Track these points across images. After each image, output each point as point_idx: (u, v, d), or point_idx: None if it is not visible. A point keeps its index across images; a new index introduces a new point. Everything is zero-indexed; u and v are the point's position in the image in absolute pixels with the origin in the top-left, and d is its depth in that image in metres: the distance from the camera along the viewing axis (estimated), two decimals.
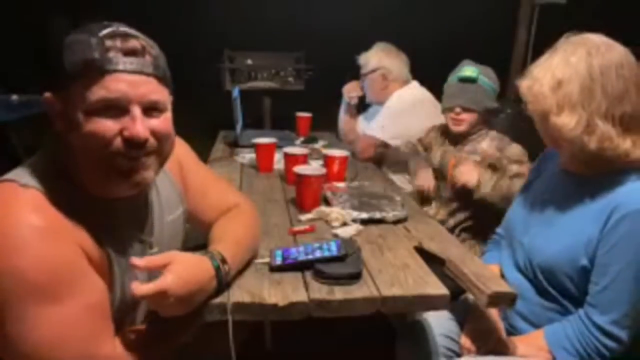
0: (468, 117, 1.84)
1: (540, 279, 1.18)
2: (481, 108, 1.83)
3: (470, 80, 1.83)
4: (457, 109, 1.84)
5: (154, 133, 0.83)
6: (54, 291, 0.75)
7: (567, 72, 1.07)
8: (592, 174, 1.14)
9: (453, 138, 1.95)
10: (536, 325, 1.19)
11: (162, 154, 0.88)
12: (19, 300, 0.74)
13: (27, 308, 0.74)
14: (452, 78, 1.90)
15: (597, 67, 1.05)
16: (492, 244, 1.50)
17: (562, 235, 1.14)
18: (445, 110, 1.90)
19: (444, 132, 2.02)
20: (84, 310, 0.78)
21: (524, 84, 1.14)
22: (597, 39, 1.10)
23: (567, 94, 1.07)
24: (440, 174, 1.94)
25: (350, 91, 2.59)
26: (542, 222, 1.22)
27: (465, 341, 1.22)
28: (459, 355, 1.26)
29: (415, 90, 2.45)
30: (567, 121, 1.07)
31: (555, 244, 1.15)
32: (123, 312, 0.92)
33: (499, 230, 1.49)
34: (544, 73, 1.10)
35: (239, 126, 2.41)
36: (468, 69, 1.85)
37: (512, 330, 1.24)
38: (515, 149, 1.79)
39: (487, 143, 1.85)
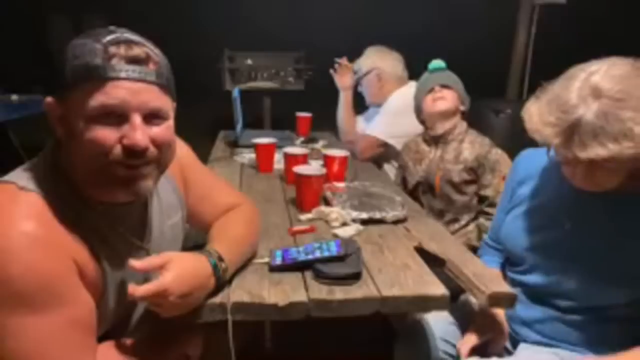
0: (449, 94, 1.85)
1: (567, 306, 1.11)
2: (458, 88, 1.87)
3: (441, 69, 1.92)
4: (436, 87, 1.87)
5: (154, 141, 0.82)
6: (38, 302, 0.74)
7: None
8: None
9: (432, 140, 1.91)
10: (538, 329, 1.17)
11: (162, 162, 0.87)
12: (2, 307, 0.73)
13: (10, 316, 0.73)
14: (423, 76, 1.97)
15: None
16: (484, 253, 1.43)
17: (617, 267, 1.04)
18: (425, 95, 1.89)
19: (418, 146, 1.98)
20: (67, 325, 0.77)
21: (629, 150, 0.91)
22: (605, 61, 0.99)
23: None
24: (427, 186, 1.92)
25: (342, 77, 2.51)
26: (581, 262, 1.08)
27: (465, 340, 1.21)
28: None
29: (414, 90, 2.45)
30: None
31: (616, 280, 1.05)
32: (116, 320, 0.92)
33: (487, 241, 1.44)
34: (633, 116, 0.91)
35: (239, 126, 2.41)
36: (435, 62, 1.93)
37: (516, 337, 1.22)
38: (494, 156, 1.77)
39: (468, 150, 1.81)
